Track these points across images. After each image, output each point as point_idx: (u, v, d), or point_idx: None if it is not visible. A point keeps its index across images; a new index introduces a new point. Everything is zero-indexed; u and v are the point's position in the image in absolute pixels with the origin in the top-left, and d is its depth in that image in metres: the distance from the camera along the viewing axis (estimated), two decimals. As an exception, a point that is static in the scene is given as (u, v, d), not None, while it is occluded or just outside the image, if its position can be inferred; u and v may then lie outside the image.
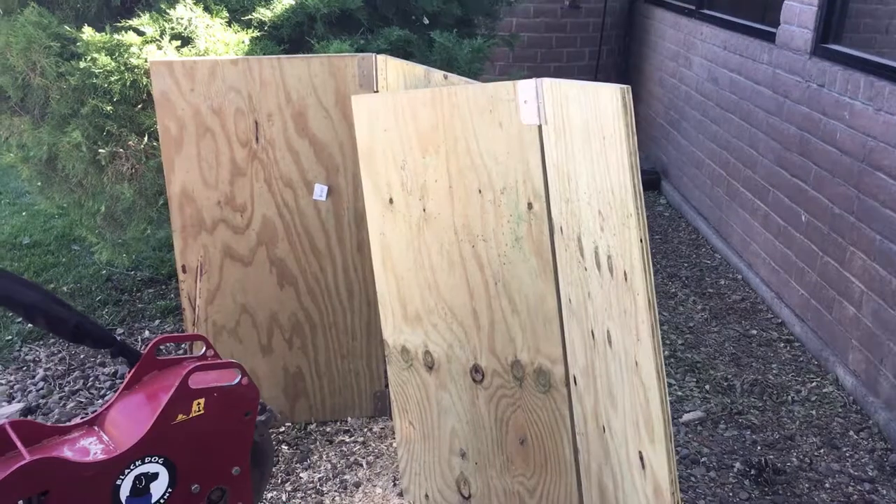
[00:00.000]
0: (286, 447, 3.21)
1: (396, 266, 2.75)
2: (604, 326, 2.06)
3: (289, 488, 2.99)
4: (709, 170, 5.34)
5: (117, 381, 3.66)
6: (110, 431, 2.28)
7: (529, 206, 2.40)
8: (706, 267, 4.95)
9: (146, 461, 2.17)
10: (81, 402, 3.49)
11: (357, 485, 3.01)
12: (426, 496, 2.89)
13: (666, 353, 3.94)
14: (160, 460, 2.20)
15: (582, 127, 1.98)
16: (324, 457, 3.15)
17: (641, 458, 1.96)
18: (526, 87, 2.29)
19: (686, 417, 3.45)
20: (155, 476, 2.20)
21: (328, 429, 3.31)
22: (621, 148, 1.71)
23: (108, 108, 2.87)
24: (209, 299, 3.08)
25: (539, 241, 2.40)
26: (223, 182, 2.95)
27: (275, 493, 2.97)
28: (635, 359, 1.86)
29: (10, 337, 4.04)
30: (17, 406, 3.36)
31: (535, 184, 2.36)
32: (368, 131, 2.70)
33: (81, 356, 3.90)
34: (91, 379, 3.68)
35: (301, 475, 3.06)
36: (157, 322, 4.17)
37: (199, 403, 2.24)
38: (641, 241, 1.70)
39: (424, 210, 2.63)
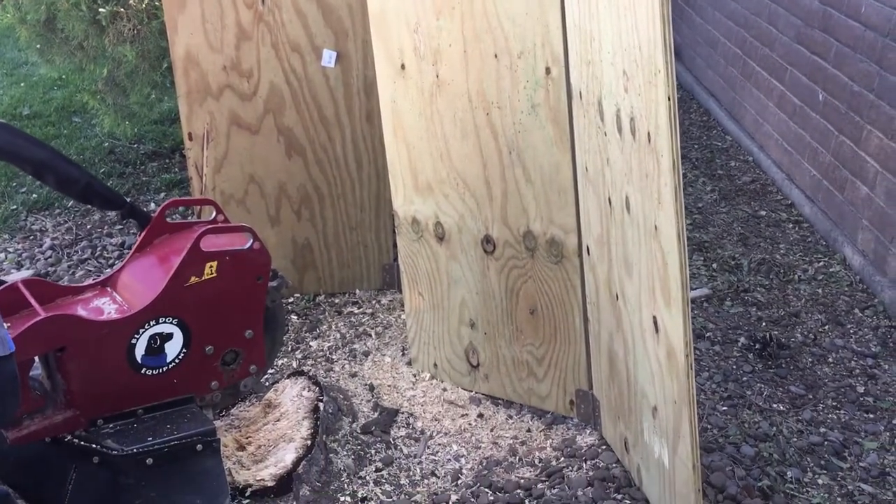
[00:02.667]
0: (296, 317, 3.23)
1: (408, 135, 2.69)
2: (622, 192, 2.03)
3: (299, 356, 3.03)
4: (724, 49, 5.19)
5: (125, 252, 3.65)
6: (123, 293, 2.28)
7: (547, 70, 2.32)
8: (717, 148, 4.88)
9: (160, 321, 2.18)
10: (90, 271, 3.50)
11: (366, 353, 3.05)
12: (434, 365, 2.93)
13: (674, 232, 3.92)
14: (174, 321, 2.21)
15: (607, -18, 1.89)
16: (333, 327, 3.18)
17: (655, 323, 1.97)
18: (547, -58, 2.18)
19: (693, 294, 3.46)
20: (169, 336, 2.22)
21: (337, 300, 3.33)
22: None
23: (108, -36, 2.75)
24: (216, 168, 3.03)
25: (556, 108, 2.34)
26: (228, 46, 2.86)
27: (285, 360, 3.01)
28: (655, 223, 1.84)
29: (14, 206, 4.02)
30: (26, 273, 3.36)
31: (555, 47, 2.28)
32: (380, -4, 2.59)
33: (88, 226, 3.89)
34: (99, 248, 3.68)
35: (311, 343, 3.09)
36: (161, 195, 4.14)
37: (211, 266, 2.23)
38: (669, 98, 1.65)
39: (437, 76, 2.56)
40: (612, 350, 2.35)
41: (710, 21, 5.46)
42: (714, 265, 3.67)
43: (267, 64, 2.90)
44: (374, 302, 3.32)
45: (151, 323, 2.17)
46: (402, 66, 2.62)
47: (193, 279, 2.20)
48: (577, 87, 2.25)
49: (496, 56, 2.41)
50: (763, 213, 4.14)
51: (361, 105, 3.02)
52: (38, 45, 3.13)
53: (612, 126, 2.01)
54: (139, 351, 2.17)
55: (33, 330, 1.98)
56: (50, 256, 3.59)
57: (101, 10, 2.77)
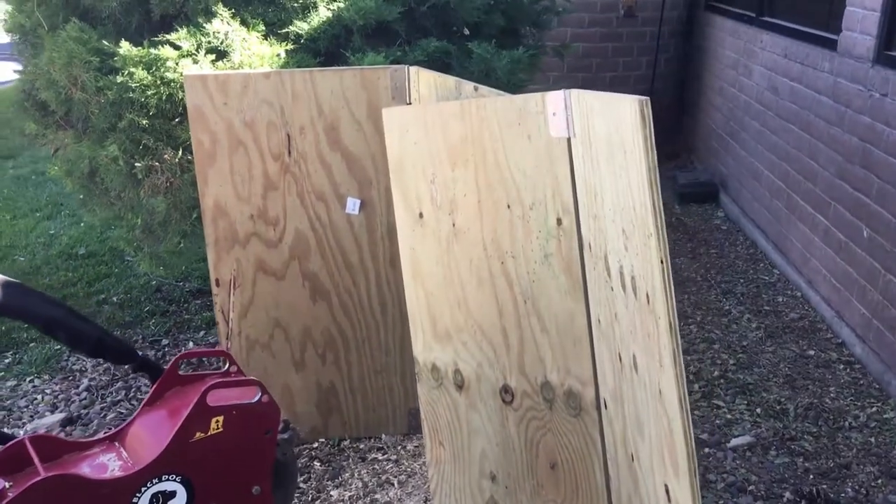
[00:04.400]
0: (318, 464, 3.17)
1: (426, 282, 2.69)
2: (630, 350, 1.96)
3: (318, 507, 2.95)
4: (768, 182, 5.14)
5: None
6: (130, 448, 2.27)
7: (559, 221, 2.31)
8: (763, 283, 4.76)
9: (163, 479, 2.15)
10: (122, 413, 3.52)
11: (388, 504, 2.95)
12: (457, 518, 2.82)
13: (716, 373, 3.79)
14: (178, 478, 2.17)
15: (606, 140, 1.89)
16: (356, 474, 3.10)
17: (667, 492, 1.85)
18: (554, 98, 2.21)
19: (734, 442, 3.30)
20: (172, 494, 2.18)
21: (361, 445, 3.26)
22: (641, 163, 1.62)
23: (145, 122, 2.88)
24: (242, 313, 3.06)
25: (568, 258, 2.31)
26: (256, 196, 2.94)
27: (304, 510, 2.93)
28: (659, 386, 1.76)
29: (58, 346, 4.11)
30: (58, 416, 3.40)
31: (565, 198, 2.27)
32: (399, 144, 2.65)
33: (126, 366, 3.94)
34: (133, 390, 3.71)
35: (332, 493, 3.01)
36: (202, 333, 4.19)
37: (217, 421, 2.21)
38: (662, 262, 1.61)
39: (454, 225, 2.57)
40: (631, 513, 2.22)
41: (753, 153, 5.44)
42: (758, 409, 3.50)
43: (293, 212, 2.96)
44: (399, 448, 3.24)
45: (154, 481, 2.14)
46: (420, 215, 2.65)
47: (199, 435, 2.18)
48: (586, 238, 2.22)
49: (509, 206, 2.41)
50: (812, 352, 3.97)
51: (385, 250, 3.04)
52: (82, 196, 3.27)
53: (617, 282, 1.97)
54: (141, 509, 2.13)
55: (32, 490, 1.96)
56: (84, 398, 3.63)
57: (136, 164, 2.89)
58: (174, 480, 2.16)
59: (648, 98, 1.61)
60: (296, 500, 2.97)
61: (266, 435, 2.29)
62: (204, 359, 3.70)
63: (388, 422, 3.27)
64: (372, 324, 3.13)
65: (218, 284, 3.02)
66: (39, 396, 3.67)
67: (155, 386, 2.35)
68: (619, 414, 2.16)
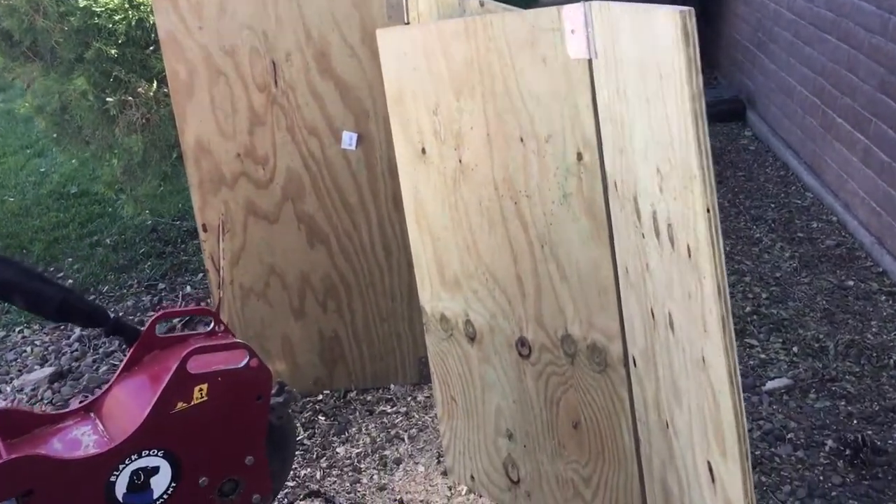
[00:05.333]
0: (323, 418, 2.96)
1: (432, 225, 2.42)
2: (664, 307, 1.70)
3: (324, 464, 2.76)
4: (800, 97, 4.78)
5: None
6: (107, 419, 2.05)
7: (579, 156, 2.02)
8: (796, 208, 4.45)
9: (143, 455, 1.94)
10: (115, 365, 3.31)
11: (398, 461, 2.75)
12: (472, 477, 2.61)
13: (748, 308, 3.53)
14: (160, 453, 1.96)
15: (636, 61, 1.59)
16: (363, 429, 2.90)
17: (711, 471, 1.61)
18: (573, 13, 1.89)
19: (770, 385, 3.06)
20: (155, 470, 1.97)
21: (369, 397, 3.05)
22: (682, 90, 1.33)
23: (114, 51, 2.59)
24: (234, 260, 2.82)
25: (591, 199, 2.03)
26: (241, 132, 2.65)
27: (309, 469, 2.74)
28: (702, 354, 1.50)
29: (49, 294, 3.89)
30: (47, 370, 3.20)
31: (586, 130, 1.98)
32: (396, 71, 2.35)
33: (120, 313, 3.73)
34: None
35: (338, 450, 2.81)
36: (199, 276, 3.96)
37: (201, 389, 1.98)
38: (708, 210, 1.33)
39: (460, 161, 2.28)
40: (665, 482, 1.99)
41: (783, 67, 5.06)
42: (795, 348, 3.25)
43: (283, 149, 2.68)
44: (409, 399, 3.03)
45: (133, 457, 1.92)
46: (423, 151, 2.36)
47: (181, 405, 1.96)
48: (611, 176, 1.94)
49: (522, 140, 2.12)
50: (851, 283, 3.70)
51: (387, 188, 2.76)
52: (55, 135, 3.00)
53: (649, 228, 1.69)
54: (120, 489, 1.92)
55: (-7, 475, 1.76)
56: (76, 350, 3.43)
57: (108, 99, 2.60)
58: (156, 455, 1.95)
59: (692, 8, 1.30)
60: (299, 459, 2.78)
61: (257, 401, 2.07)
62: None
63: (397, 371, 3.05)
64: (375, 268, 2.88)
65: (205, 230, 2.77)
66: (28, 349, 3.47)
67: (132, 350, 2.12)
68: (652, 375, 1.91)
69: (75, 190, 5.00)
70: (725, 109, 5.78)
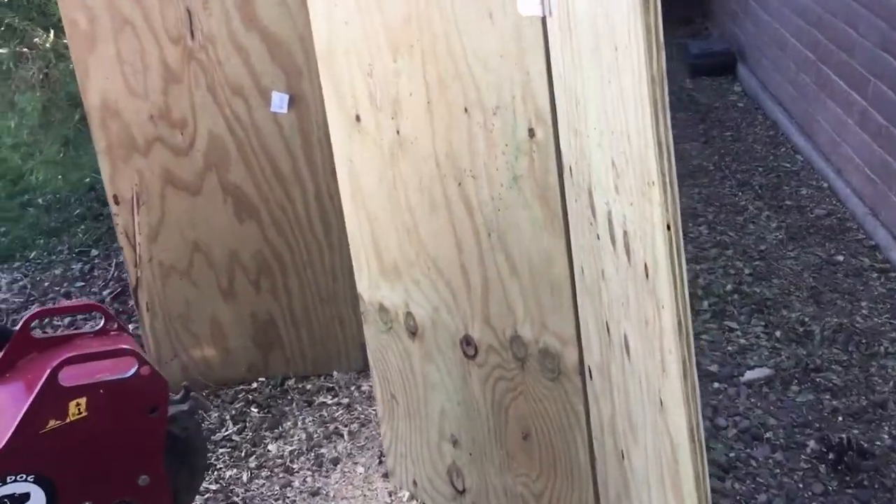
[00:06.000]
0: (256, 409, 2.68)
1: (368, 203, 2.11)
2: (620, 326, 1.40)
3: (253, 464, 2.48)
4: (794, 51, 4.44)
5: (79, 317, 3.16)
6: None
7: (531, 132, 1.70)
8: (785, 172, 4.15)
9: (9, 481, 1.65)
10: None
11: (335, 461, 2.48)
12: (414, 483, 2.35)
13: (729, 286, 3.25)
14: (30, 478, 1.67)
15: (590, 25, 1.26)
16: (299, 423, 2.62)
17: (668, 524, 1.34)
18: (523, -42, 1.56)
19: (749, 376, 2.79)
20: (25, 497, 1.68)
21: (309, 386, 2.76)
22: (639, 69, 1.01)
23: (3, -6, 2.23)
24: (151, 235, 2.50)
25: (544, 183, 1.72)
26: (154, 91, 2.32)
27: (235, 470, 2.47)
28: (659, 395, 1.21)
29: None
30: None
31: (539, 102, 1.66)
32: (326, 24, 2.02)
33: (46, 283, 3.42)
34: (47, 318, 3.19)
35: (270, 447, 2.54)
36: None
37: (78, 404, 1.69)
38: (669, 227, 1.02)
39: (398, 132, 1.96)
40: (621, 514, 1.72)
41: (777, 17, 4.70)
42: (778, 332, 2.98)
43: (203, 111, 2.35)
44: (352, 388, 2.75)
45: (-3, 484, 1.64)
46: (357, 118, 2.04)
47: (53, 423, 1.66)
48: (567, 159, 1.62)
49: (466, 111, 1.80)
50: (840, 257, 3.42)
51: (325, 156, 2.44)
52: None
53: (605, 231, 1.39)
54: (-19, 521, 1.64)
55: None
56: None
57: (0, 50, 2.25)
58: (25, 481, 1.66)
59: (656, -39, 0.98)
60: (226, 458, 2.51)
61: (151, 414, 1.78)
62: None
63: (340, 357, 2.76)
64: (314, 245, 2.57)
65: (117, 202, 2.44)
66: (-60, 324, 3.17)
67: (2, 353, 1.82)
68: (608, 395, 1.63)
69: (10, 141, 4.63)
70: (715, 62, 5.42)
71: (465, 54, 1.76)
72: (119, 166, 2.39)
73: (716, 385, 2.77)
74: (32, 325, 1.83)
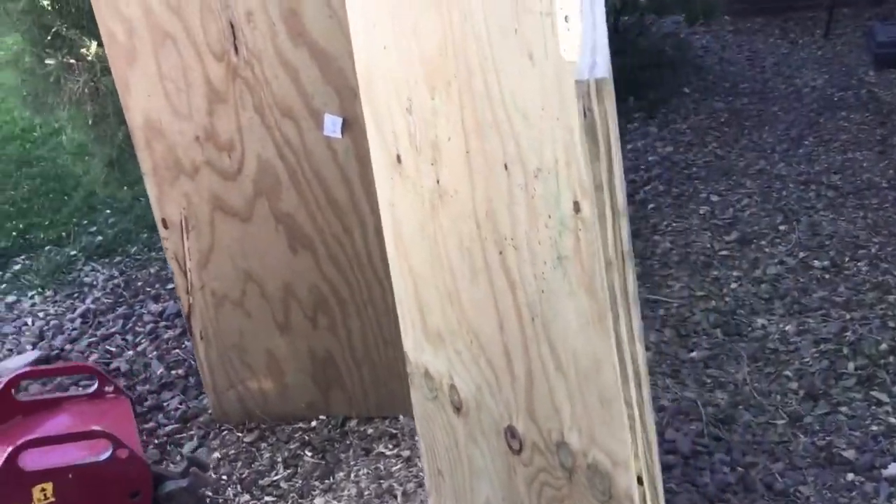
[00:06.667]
0: (310, 453, 2.46)
1: (410, 257, 1.80)
2: None
3: (295, 519, 2.27)
4: None
5: (160, 324, 3.07)
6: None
7: (576, 207, 1.32)
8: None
9: (-31, 568, 1.50)
10: (108, 353, 2.94)
11: (384, 526, 2.22)
12: (460, 569, 2.05)
13: (885, 345, 2.68)
14: (-6, 565, 1.51)
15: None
16: (352, 475, 2.37)
17: None
18: (565, -11, 1.19)
19: (893, 470, 2.28)
20: (-12, 586, 1.53)
21: (370, 430, 2.51)
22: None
23: (46, 1, 2.06)
24: (202, 262, 2.31)
25: (591, 270, 1.34)
26: (198, 111, 2.09)
27: (276, 523, 2.26)
28: None
29: (74, 252, 3.57)
30: (31, 356, 2.86)
31: (584, 170, 1.28)
32: (365, 46, 1.71)
33: (139, 282, 3.35)
34: (133, 319, 3.11)
35: (315, 502, 2.31)
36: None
37: (43, 490, 1.50)
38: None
39: (438, 182, 1.64)
40: None
41: None
42: (940, 414, 2.42)
43: (251, 133, 2.11)
44: (416, 438, 2.46)
45: (-49, 573, 1.49)
46: (399, 159, 1.73)
47: (15, 509, 1.49)
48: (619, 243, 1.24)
49: (507, 167, 1.45)
50: None
51: (385, 187, 2.13)
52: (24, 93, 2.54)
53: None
54: None
55: None
56: (76, 328, 3.08)
57: (48, 61, 2.10)
58: (-11, 568, 1.51)
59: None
60: (270, 506, 2.31)
61: (132, 499, 1.57)
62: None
63: (406, 400, 2.47)
64: (374, 283, 2.29)
65: (166, 226, 2.26)
66: (30, 321, 3.16)
67: (-17, 418, 1.67)
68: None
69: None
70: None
71: (502, 98, 1.40)
72: (166, 189, 2.20)
73: (849, 477, 2.28)
74: (20, 384, 1.66)
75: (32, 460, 1.51)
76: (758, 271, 3.09)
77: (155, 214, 2.25)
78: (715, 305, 2.93)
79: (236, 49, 2.00)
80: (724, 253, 3.23)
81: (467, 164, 1.54)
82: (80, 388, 2.40)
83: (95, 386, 1.73)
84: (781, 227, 3.35)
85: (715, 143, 4.11)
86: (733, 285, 3.03)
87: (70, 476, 1.52)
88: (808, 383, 2.56)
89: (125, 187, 2.54)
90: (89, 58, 2.10)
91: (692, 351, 2.74)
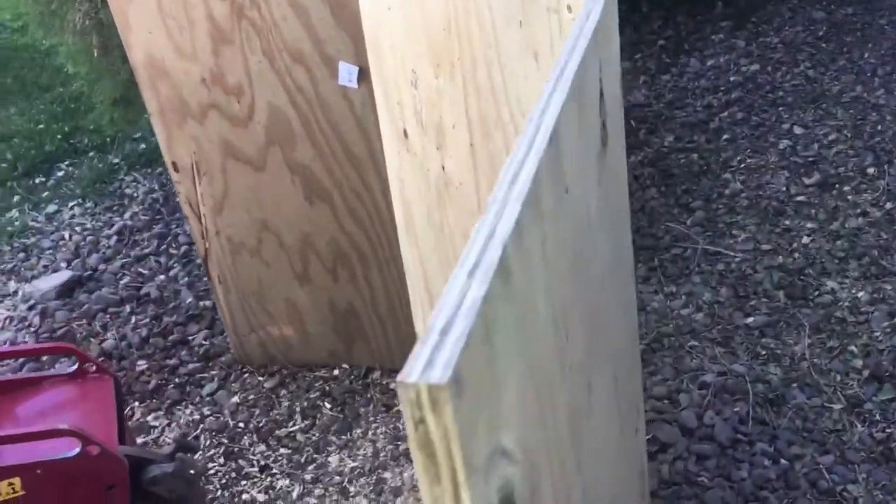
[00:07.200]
0: (329, 405, 2.37)
1: (420, 240, 1.63)
2: None
3: (308, 476, 2.20)
4: None
5: (194, 247, 2.98)
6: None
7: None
8: None
9: (-60, 557, 1.46)
10: (139, 276, 2.88)
11: (397, 492, 2.14)
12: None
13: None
14: (-34, 554, 1.47)
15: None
16: (369, 433, 2.29)
17: None
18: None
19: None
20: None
21: (393, 384, 2.40)
22: None
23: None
24: (216, 208, 2.17)
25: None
26: (203, 51, 1.90)
27: (289, 481, 2.20)
28: None
29: (117, 161, 3.48)
30: (62, 276, 2.82)
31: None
32: (371, 3, 1.47)
33: (177, 200, 3.26)
34: (168, 239, 3.04)
35: (331, 458, 2.24)
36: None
37: (11, 484, 1.44)
38: None
39: (443, 168, 1.43)
40: None
41: None
42: None
43: (261, 78, 1.91)
44: (438, 399, 2.34)
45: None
46: (405, 133, 1.52)
47: (-18, 504, 1.43)
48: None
49: (510, 174, 1.23)
50: None
51: (407, 142, 1.92)
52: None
53: None
54: None
55: None
56: (111, 246, 3.02)
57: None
58: (-39, 558, 1.47)
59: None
60: (283, 462, 2.25)
61: (108, 491, 1.50)
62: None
63: (431, 358, 2.35)
64: (396, 241, 2.11)
65: (176, 169, 2.12)
66: (67, 235, 3.11)
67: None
68: None
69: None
70: None
71: (507, 98, 1.18)
72: (174, 133, 2.04)
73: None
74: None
75: (3, 455, 1.45)
76: (835, 223, 2.79)
77: (164, 157, 2.10)
78: (781, 262, 2.67)
79: (241, -14, 1.78)
80: (800, 199, 2.92)
81: (472, 158, 1.32)
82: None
83: (74, 365, 1.64)
84: (870, 171, 3.00)
85: (808, 61, 3.69)
86: (805, 239, 2.75)
87: (38, 472, 1.45)
88: (875, 363, 2.32)
89: (134, 124, 2.38)
90: (87, -13, 1.92)
91: (749, 316, 2.51)
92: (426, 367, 0.52)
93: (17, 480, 1.43)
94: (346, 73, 1.85)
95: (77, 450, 1.44)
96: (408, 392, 0.51)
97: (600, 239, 0.95)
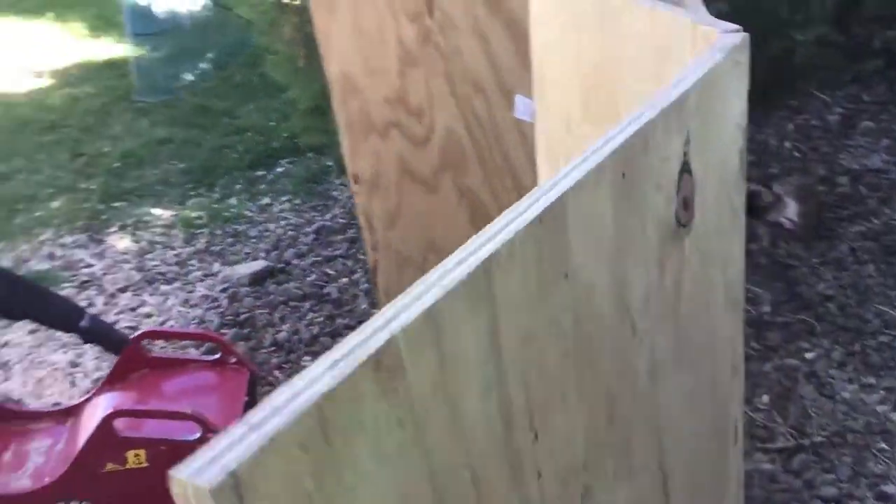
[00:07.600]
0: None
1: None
2: None
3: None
4: None
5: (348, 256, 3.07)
6: (81, 430, 1.73)
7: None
8: None
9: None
10: (325, 275, 3.01)
11: None
12: None
13: None
14: (89, 506, 1.60)
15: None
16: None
17: None
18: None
19: None
20: (87, 523, 1.63)
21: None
22: None
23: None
24: (388, 222, 2.22)
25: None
26: (390, 71, 1.96)
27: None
28: None
29: (330, 163, 3.68)
30: (256, 265, 3.01)
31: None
32: (540, 39, 1.45)
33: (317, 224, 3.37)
34: (357, 244, 3.15)
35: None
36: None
37: (137, 455, 1.55)
38: None
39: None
40: None
41: None
42: None
43: (440, 102, 1.93)
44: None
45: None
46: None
47: (111, 466, 1.55)
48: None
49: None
50: None
51: (576, 182, 1.87)
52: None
53: None
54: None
55: None
56: (309, 242, 3.19)
57: (267, -2, 2.06)
58: (88, 509, 1.60)
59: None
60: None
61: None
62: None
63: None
64: (555, 279, 2.06)
65: (357, 181, 2.19)
66: (272, 227, 3.33)
67: (115, 364, 1.73)
68: None
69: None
70: None
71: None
72: (358, 146, 2.12)
73: None
74: (143, 342, 1.71)
75: (130, 426, 1.56)
76: None
77: (347, 168, 2.19)
78: None
79: (430, 12, 1.81)
80: None
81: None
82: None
83: (218, 354, 1.74)
84: None
85: None
86: None
87: (162, 448, 1.55)
88: None
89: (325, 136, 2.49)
90: (297, 2, 2.04)
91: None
92: (208, 463, 0.42)
93: (142, 452, 1.54)
94: (523, 107, 1.83)
95: (198, 434, 1.52)
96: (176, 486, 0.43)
97: (656, 330, 0.86)
